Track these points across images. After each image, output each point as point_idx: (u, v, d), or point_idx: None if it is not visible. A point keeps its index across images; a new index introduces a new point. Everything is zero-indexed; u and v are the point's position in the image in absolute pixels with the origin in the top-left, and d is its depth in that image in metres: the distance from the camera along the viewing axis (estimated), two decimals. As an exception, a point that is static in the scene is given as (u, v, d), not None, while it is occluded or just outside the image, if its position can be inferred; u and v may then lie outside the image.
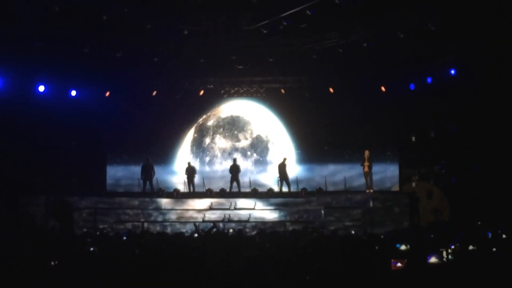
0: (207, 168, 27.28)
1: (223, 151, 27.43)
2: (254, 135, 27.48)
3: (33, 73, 22.62)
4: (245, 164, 26.93)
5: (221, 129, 27.65)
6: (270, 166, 26.97)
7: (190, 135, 27.55)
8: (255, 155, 27.30)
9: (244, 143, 27.41)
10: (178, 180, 26.60)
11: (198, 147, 27.53)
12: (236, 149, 27.38)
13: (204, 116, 27.50)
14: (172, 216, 22.52)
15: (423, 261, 8.42)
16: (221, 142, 27.54)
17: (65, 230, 17.19)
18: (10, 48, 20.02)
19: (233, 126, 27.60)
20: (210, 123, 27.69)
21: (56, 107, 24.06)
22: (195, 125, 27.59)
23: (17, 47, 20.14)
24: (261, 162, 27.28)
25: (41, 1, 17.96)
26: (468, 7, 17.60)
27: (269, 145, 27.32)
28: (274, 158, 27.14)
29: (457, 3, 17.72)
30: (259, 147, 27.39)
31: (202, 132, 27.65)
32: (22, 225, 19.66)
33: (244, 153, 27.32)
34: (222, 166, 27.13)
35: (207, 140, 27.59)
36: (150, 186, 24.85)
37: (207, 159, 27.46)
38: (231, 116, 27.61)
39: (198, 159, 27.42)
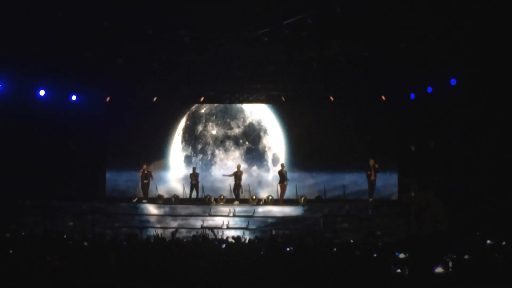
0: (200, 160, 27.34)
1: (216, 138, 27.49)
2: (247, 123, 27.51)
3: (33, 78, 22.62)
4: (237, 153, 27.16)
5: (214, 117, 27.69)
6: (269, 173, 27.03)
7: (182, 122, 27.57)
8: (247, 143, 27.34)
9: (236, 131, 27.46)
10: (175, 185, 26.68)
11: (191, 134, 27.57)
12: (228, 137, 27.42)
13: (197, 104, 27.49)
14: (170, 222, 22.51)
15: (422, 270, 8.42)
16: (213, 130, 27.58)
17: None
18: (11, 52, 20.02)
19: (225, 114, 27.66)
20: (202, 110, 27.72)
21: (56, 112, 24.11)
22: (188, 112, 27.61)
23: (18, 51, 20.13)
24: (253, 150, 27.31)
25: (43, 6, 17.95)
26: (469, 17, 17.61)
27: (262, 134, 27.36)
28: (266, 147, 27.22)
29: (458, 13, 17.73)
30: (251, 135, 27.43)
31: (194, 120, 27.67)
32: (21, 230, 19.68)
33: (236, 141, 27.38)
34: (220, 170, 27.17)
35: (200, 128, 27.62)
36: None
37: (199, 146, 27.51)
38: (224, 104, 27.60)
39: (190, 147, 27.46)
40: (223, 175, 25.70)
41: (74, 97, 24.97)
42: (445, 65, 21.04)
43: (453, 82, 21.44)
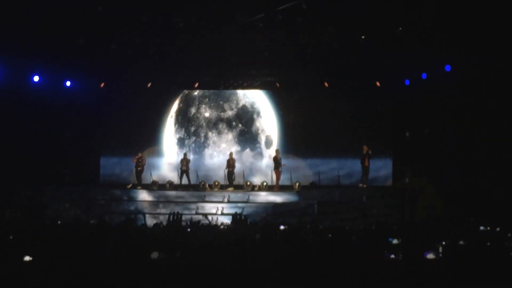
0: (193, 142, 27.34)
1: (209, 121, 27.51)
2: (240, 106, 27.51)
3: (28, 63, 22.52)
4: (230, 135, 27.30)
5: (207, 100, 27.70)
6: (263, 157, 27.06)
7: (175, 105, 27.58)
8: (240, 125, 27.36)
9: (229, 113, 27.46)
10: (169, 173, 26.68)
11: (184, 117, 27.57)
12: (221, 120, 27.45)
13: (190, 87, 27.56)
14: (165, 208, 22.51)
15: (415, 255, 8.46)
16: (206, 112, 27.57)
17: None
18: (5, 38, 19.92)
19: (218, 97, 27.69)
20: (196, 93, 27.71)
21: (50, 97, 24.04)
22: (181, 95, 27.59)
23: (12, 37, 20.03)
24: (246, 133, 27.35)
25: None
26: (464, 3, 17.59)
27: (255, 116, 27.37)
28: (259, 129, 27.29)
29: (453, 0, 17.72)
30: (244, 118, 27.45)
31: (187, 102, 27.68)
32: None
33: (229, 124, 27.41)
34: (213, 157, 27.20)
35: (193, 110, 27.62)
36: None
37: (192, 129, 27.52)
38: (218, 89, 27.68)
39: (183, 129, 27.48)
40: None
41: (68, 83, 24.91)
42: (440, 51, 21.01)
43: (447, 68, 21.43)
